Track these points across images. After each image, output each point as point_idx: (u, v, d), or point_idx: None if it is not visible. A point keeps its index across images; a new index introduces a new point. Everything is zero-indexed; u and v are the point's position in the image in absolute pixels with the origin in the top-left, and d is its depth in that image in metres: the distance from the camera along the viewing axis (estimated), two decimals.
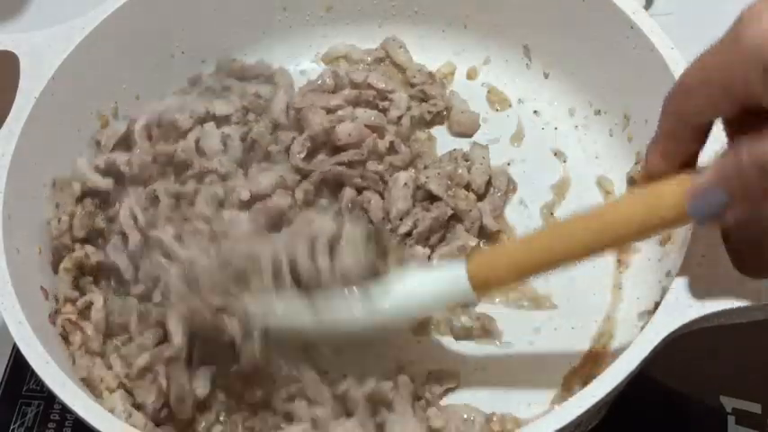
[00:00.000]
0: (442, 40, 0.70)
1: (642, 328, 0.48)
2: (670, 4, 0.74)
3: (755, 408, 0.58)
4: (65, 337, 0.56)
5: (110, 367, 0.56)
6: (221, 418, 0.55)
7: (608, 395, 0.46)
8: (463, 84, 0.69)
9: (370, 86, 0.66)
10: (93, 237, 0.60)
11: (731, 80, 0.40)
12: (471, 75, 0.69)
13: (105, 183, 0.61)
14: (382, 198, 0.62)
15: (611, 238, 0.46)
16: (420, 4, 0.69)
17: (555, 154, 0.65)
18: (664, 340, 0.47)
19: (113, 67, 0.64)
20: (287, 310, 0.52)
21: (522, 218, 0.63)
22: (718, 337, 0.53)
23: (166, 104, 0.64)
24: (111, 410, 0.52)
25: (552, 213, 0.63)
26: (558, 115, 0.67)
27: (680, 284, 0.48)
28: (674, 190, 0.44)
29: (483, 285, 0.50)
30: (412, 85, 0.68)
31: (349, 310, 0.51)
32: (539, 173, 0.65)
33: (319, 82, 0.67)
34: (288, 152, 0.63)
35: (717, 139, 0.44)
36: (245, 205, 0.60)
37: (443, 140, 0.67)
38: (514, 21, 0.67)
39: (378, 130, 0.63)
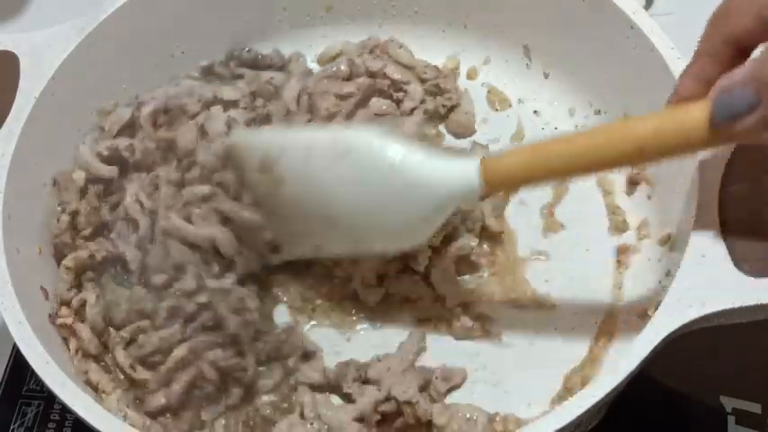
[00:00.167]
0: (442, 40, 0.70)
1: (642, 328, 0.48)
2: (670, 4, 0.74)
3: (755, 408, 0.58)
4: (65, 338, 0.56)
5: (107, 370, 0.56)
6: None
7: (608, 395, 0.46)
8: (463, 84, 0.69)
9: (385, 76, 0.66)
10: (99, 231, 0.60)
11: None
12: (471, 75, 0.69)
13: (109, 170, 0.61)
14: None
15: (631, 149, 0.46)
16: (420, 4, 0.69)
17: None
18: (664, 340, 0.47)
19: (113, 67, 0.64)
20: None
21: (523, 218, 0.63)
22: (718, 337, 0.53)
23: (175, 90, 0.64)
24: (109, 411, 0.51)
25: (552, 213, 0.63)
26: (558, 115, 0.66)
27: (680, 284, 0.48)
28: (701, 106, 0.44)
29: (494, 181, 0.49)
30: (424, 81, 0.67)
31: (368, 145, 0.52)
32: None
33: (334, 69, 0.66)
34: None
35: None
36: None
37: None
38: (514, 21, 0.67)
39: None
